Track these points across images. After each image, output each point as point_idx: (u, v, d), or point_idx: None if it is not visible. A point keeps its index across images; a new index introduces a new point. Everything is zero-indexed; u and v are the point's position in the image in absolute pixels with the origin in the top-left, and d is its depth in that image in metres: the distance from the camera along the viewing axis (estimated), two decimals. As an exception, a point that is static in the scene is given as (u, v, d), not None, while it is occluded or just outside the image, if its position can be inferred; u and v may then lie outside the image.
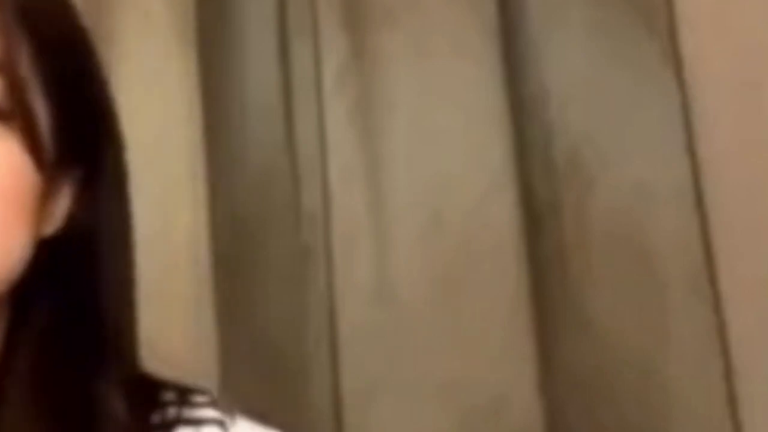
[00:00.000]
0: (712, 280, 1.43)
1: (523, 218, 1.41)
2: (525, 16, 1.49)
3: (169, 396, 0.83)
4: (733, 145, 1.47)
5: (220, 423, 0.82)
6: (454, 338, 1.39)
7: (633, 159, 1.45)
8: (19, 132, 0.74)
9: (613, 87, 1.47)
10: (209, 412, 0.82)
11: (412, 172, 1.43)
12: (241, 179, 1.45)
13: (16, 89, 0.74)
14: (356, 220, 1.42)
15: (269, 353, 1.41)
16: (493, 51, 1.45)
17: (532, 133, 1.47)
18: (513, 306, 1.39)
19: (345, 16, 1.46)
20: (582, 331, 1.43)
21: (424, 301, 1.40)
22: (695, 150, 1.46)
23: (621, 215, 1.44)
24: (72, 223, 0.80)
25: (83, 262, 0.80)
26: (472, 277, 1.40)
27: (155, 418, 0.80)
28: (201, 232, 1.37)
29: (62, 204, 0.80)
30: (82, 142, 0.79)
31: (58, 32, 0.78)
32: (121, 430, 0.78)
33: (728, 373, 1.42)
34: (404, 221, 1.42)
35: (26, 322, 0.79)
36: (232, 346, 1.37)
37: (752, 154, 1.47)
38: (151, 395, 0.82)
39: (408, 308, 1.40)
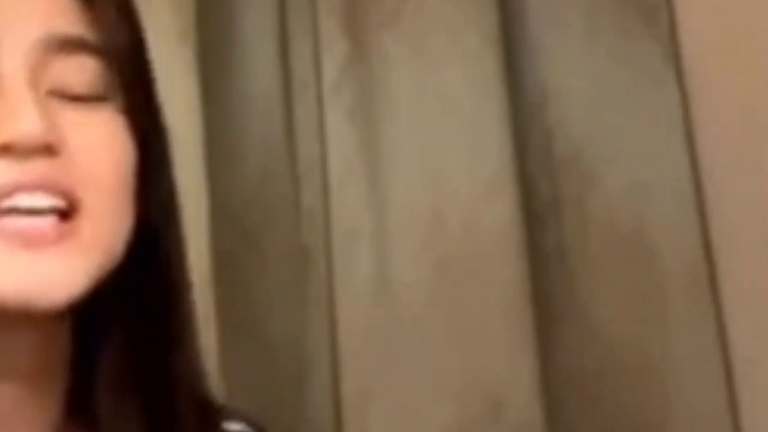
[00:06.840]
0: (712, 279, 1.43)
1: (523, 218, 1.41)
2: (525, 16, 1.50)
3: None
4: (733, 145, 1.48)
5: None
6: (453, 338, 1.39)
7: (633, 158, 1.45)
8: (120, 112, 0.75)
9: (613, 87, 1.47)
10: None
11: (412, 172, 1.43)
12: (241, 179, 1.45)
13: (118, 71, 0.75)
14: (356, 220, 1.42)
15: (269, 353, 1.41)
16: (493, 51, 1.45)
17: (532, 133, 1.47)
18: (513, 306, 1.39)
19: (345, 16, 1.46)
20: (582, 330, 1.43)
21: (424, 301, 1.40)
22: (695, 149, 1.46)
23: (621, 214, 1.44)
24: None
25: (147, 261, 0.77)
26: (472, 276, 1.40)
27: None
28: (201, 232, 1.37)
29: None
30: (146, 130, 0.78)
31: (137, 27, 0.79)
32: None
33: (728, 373, 1.42)
34: (404, 221, 1.42)
35: (104, 326, 0.77)
36: (232, 345, 1.37)
37: (752, 153, 1.48)
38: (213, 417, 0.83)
39: (408, 308, 1.40)
